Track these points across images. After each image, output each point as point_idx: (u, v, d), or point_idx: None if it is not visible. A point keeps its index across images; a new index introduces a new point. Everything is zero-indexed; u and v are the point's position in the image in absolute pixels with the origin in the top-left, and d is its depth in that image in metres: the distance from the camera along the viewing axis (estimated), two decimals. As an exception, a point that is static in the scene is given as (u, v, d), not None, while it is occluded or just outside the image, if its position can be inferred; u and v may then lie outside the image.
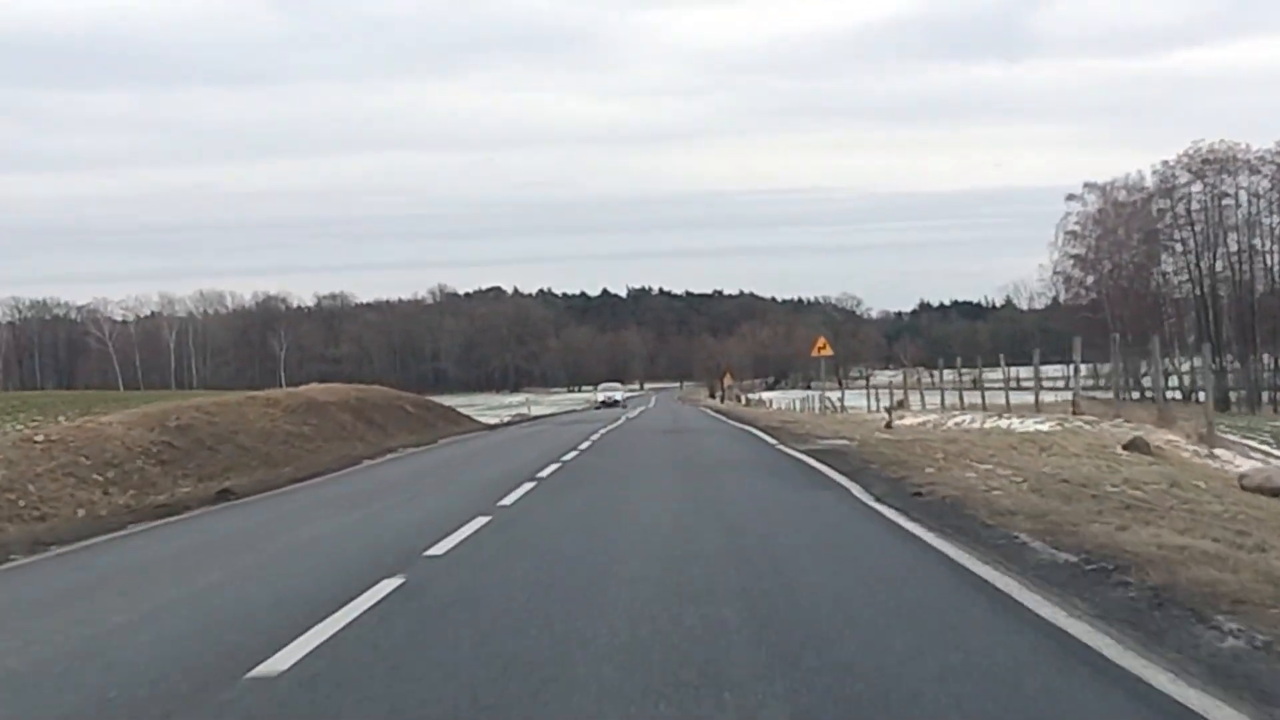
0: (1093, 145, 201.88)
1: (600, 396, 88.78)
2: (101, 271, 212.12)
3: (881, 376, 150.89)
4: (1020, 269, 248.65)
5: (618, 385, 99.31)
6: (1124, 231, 67.67)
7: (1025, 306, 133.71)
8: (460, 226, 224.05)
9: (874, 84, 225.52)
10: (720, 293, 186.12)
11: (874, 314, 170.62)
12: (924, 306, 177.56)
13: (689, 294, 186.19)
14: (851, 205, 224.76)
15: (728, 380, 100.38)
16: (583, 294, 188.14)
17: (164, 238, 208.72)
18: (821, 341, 35.04)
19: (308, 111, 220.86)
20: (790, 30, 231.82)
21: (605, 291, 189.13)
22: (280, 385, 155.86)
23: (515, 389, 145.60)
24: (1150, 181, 67.05)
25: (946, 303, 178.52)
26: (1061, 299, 78.97)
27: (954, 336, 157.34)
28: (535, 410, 71.78)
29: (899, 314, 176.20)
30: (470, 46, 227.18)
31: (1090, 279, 71.44)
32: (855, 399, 51.81)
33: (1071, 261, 73.29)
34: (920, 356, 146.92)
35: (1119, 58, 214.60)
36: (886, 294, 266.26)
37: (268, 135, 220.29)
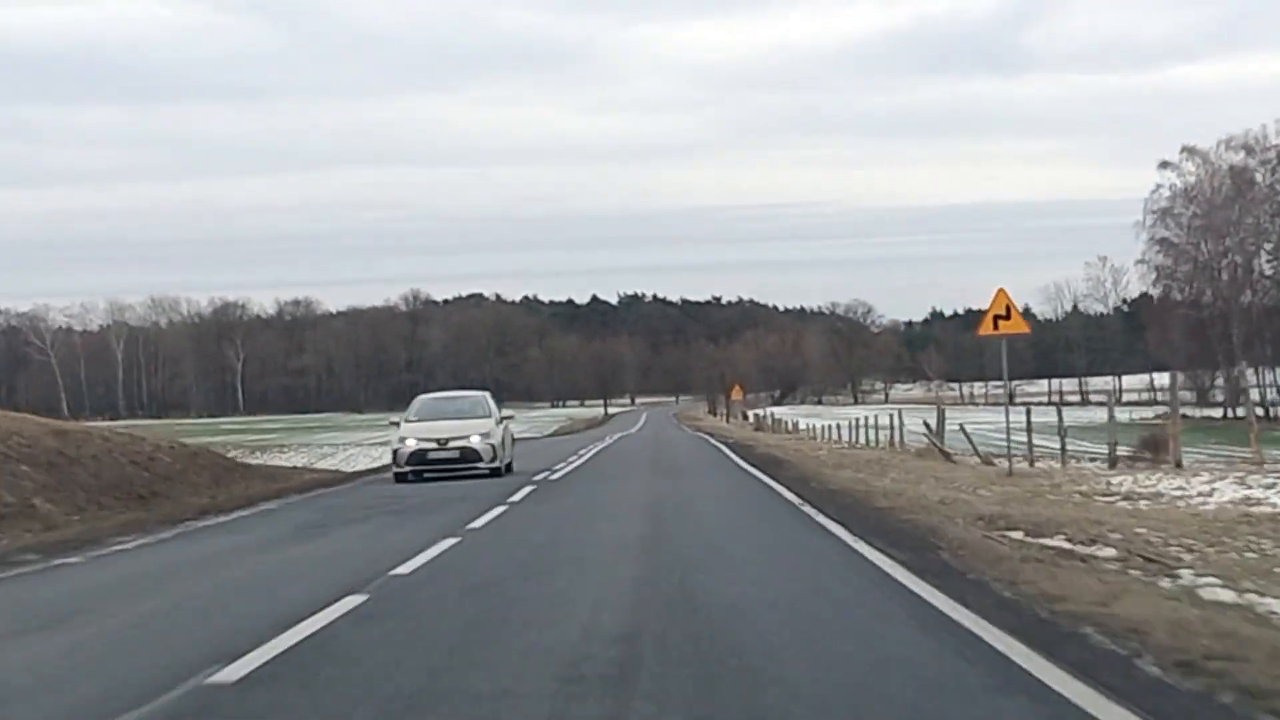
0: (1087, 159, 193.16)
1: (411, 442, 23.42)
2: (58, 286, 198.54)
3: (900, 390, 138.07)
4: (1034, 279, 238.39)
5: (482, 400, 26.82)
6: (1238, 207, 54.09)
7: (1067, 309, 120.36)
8: (449, 241, 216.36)
9: (868, 99, 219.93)
10: (718, 300, 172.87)
11: (885, 322, 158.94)
12: (936, 315, 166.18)
13: (684, 301, 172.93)
14: (846, 219, 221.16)
15: (736, 395, 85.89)
16: (570, 301, 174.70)
17: (126, 253, 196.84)
18: (1003, 301, 18.19)
19: (299, 126, 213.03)
20: (785, 45, 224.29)
21: (595, 298, 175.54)
22: (239, 402, 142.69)
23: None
24: (1277, 138, 53.25)
25: (960, 311, 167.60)
26: (1136, 295, 65.88)
27: (979, 348, 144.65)
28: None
29: (910, 323, 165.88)
30: (464, 62, 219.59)
31: (1185, 268, 57.97)
32: (984, 424, 30.43)
33: (1158, 248, 59.91)
34: (943, 368, 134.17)
35: (1112, 73, 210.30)
36: (895, 302, 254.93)
37: (258, 150, 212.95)
